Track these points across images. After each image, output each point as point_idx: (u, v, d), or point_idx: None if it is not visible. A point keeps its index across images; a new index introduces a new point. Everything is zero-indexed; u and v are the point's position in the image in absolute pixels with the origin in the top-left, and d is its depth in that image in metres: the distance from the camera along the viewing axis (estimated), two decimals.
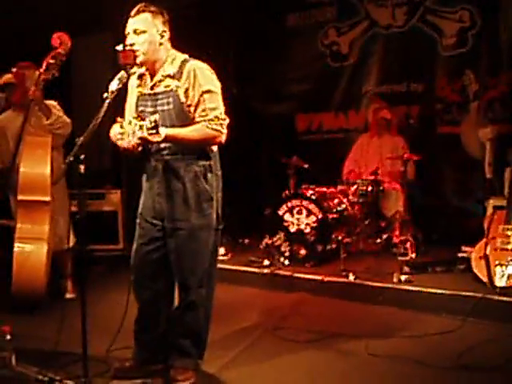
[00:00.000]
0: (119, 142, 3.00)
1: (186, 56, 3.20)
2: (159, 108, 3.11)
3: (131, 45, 3.06)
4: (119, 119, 3.07)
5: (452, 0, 6.60)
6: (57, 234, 4.72)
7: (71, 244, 4.58)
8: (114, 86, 2.97)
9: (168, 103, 3.11)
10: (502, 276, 4.48)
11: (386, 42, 7.07)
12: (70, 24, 4.63)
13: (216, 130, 3.09)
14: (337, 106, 7.47)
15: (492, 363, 3.50)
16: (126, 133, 2.89)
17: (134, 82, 3.30)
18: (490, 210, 5.02)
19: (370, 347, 3.79)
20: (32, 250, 4.43)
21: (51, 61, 4.39)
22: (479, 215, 5.44)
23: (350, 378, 3.45)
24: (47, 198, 4.46)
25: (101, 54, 6.72)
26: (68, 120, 4.73)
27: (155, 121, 2.80)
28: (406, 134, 6.39)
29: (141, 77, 3.25)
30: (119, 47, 3.07)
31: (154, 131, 2.80)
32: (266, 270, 5.41)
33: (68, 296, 4.94)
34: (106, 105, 2.90)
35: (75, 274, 4.97)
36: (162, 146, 3.10)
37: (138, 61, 3.08)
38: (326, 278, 5.10)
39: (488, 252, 4.60)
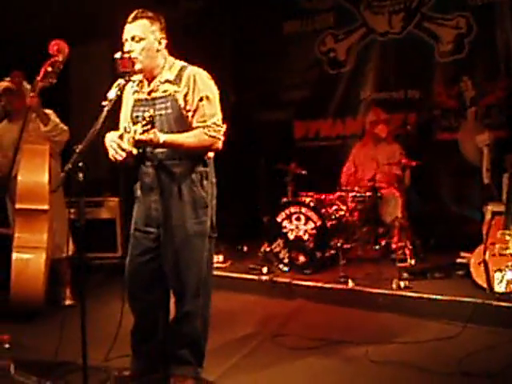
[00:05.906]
0: (110, 153, 2.95)
1: (184, 63, 3.19)
2: (157, 113, 3.06)
3: (129, 52, 3.04)
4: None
5: (448, 7, 6.62)
6: (55, 243, 4.71)
7: (70, 252, 4.57)
8: (112, 94, 2.93)
9: (166, 108, 3.08)
10: (501, 281, 4.48)
11: (383, 48, 7.09)
12: (68, 32, 4.62)
13: (213, 136, 3.08)
14: (334, 113, 7.48)
15: (492, 369, 3.50)
16: (123, 143, 2.87)
17: (129, 89, 3.25)
18: (488, 216, 5.02)
19: (370, 353, 3.79)
20: (30, 258, 4.41)
21: (49, 68, 4.38)
22: (477, 221, 5.44)
23: None
24: (45, 207, 4.44)
25: (98, 61, 6.73)
26: (65, 127, 4.73)
27: (150, 116, 2.77)
28: (403, 140, 6.36)
29: (138, 83, 3.23)
30: (117, 55, 3.03)
31: (148, 127, 2.77)
32: (264, 277, 5.40)
33: (67, 303, 4.94)
34: (104, 113, 2.85)
35: (74, 281, 4.96)
36: (159, 151, 3.08)
37: (137, 68, 3.05)
38: (325, 285, 5.10)
39: (487, 258, 4.60)
